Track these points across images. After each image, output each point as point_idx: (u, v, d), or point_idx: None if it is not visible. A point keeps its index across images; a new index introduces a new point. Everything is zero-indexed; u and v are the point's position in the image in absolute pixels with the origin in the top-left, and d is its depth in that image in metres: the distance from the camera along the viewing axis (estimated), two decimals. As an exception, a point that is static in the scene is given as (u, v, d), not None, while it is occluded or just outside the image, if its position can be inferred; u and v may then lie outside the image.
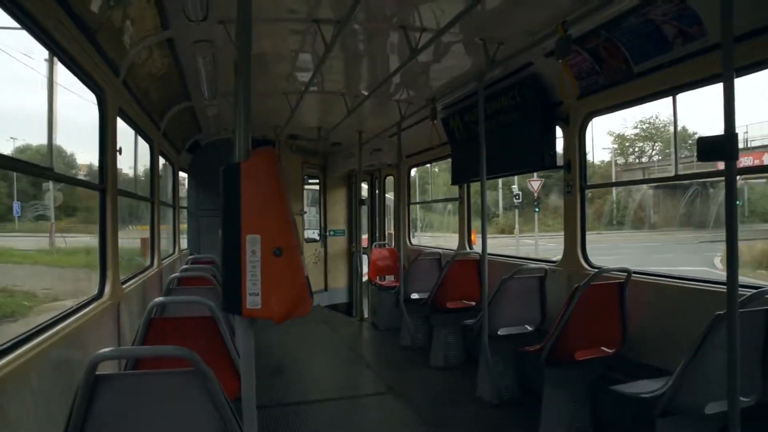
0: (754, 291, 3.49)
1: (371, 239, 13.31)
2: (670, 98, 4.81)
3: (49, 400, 2.96)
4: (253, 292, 2.26)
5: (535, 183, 29.37)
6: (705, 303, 4.28)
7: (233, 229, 2.29)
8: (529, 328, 6.06)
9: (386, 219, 13.31)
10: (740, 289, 3.07)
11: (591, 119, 5.78)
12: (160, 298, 3.88)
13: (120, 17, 4.22)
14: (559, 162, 6.17)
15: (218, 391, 2.33)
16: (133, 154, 6.38)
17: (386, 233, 13.12)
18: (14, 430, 2.51)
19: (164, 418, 2.35)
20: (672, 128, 5.09)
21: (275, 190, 2.32)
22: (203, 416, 2.35)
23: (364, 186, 13.66)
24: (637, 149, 40.60)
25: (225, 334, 3.70)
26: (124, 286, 4.95)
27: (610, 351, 4.93)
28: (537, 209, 32.31)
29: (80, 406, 2.22)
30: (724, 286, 3.08)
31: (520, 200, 33.57)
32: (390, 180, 12.41)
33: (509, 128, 6.62)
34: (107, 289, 4.41)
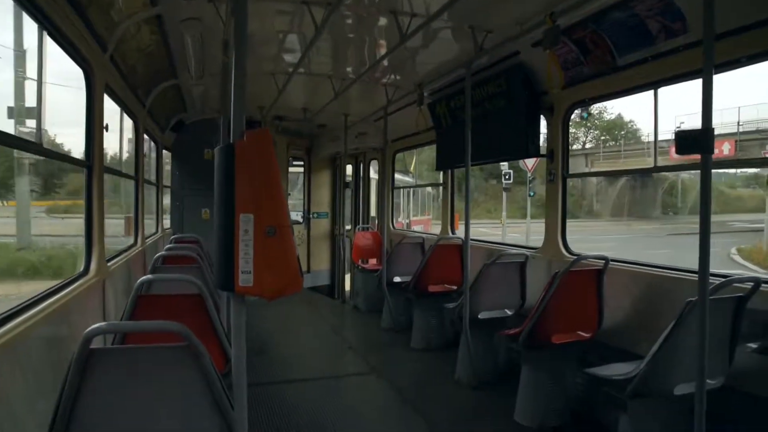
0: (724, 279, 3.64)
1: (355, 222, 13.38)
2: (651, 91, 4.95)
3: (38, 375, 3.00)
4: (246, 270, 2.32)
5: (530, 160, 26.74)
6: (677, 290, 4.46)
7: (226, 209, 2.34)
8: (509, 313, 6.22)
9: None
10: (711, 277, 3.22)
11: (575, 109, 5.90)
12: (149, 276, 3.92)
13: None
14: (543, 151, 6.29)
15: (210, 366, 2.40)
16: (119, 131, 6.34)
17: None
18: (4, 404, 2.56)
19: (156, 391, 2.41)
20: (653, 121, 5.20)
21: (269, 170, 2.37)
22: (195, 390, 2.42)
23: (349, 169, 13.69)
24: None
25: (212, 312, 3.76)
26: (109, 264, 4.97)
27: (587, 335, 5.10)
28: (531, 193, 30.26)
29: (74, 379, 2.27)
30: (696, 275, 3.23)
31: (510, 180, 31.10)
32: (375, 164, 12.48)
33: (494, 116, 6.71)
34: (93, 266, 4.43)
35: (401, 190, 15.46)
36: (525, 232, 28.89)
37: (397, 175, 14.21)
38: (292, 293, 2.41)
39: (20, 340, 2.77)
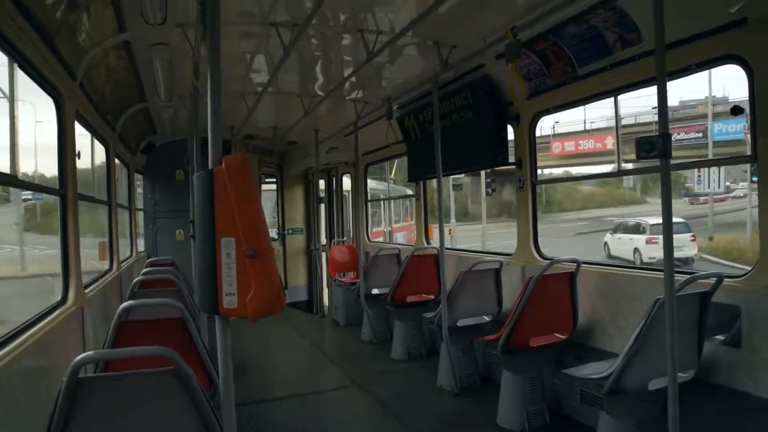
0: (689, 276, 3.82)
1: (330, 237, 13.41)
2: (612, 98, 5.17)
3: (23, 407, 2.99)
4: (230, 293, 2.37)
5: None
6: (645, 289, 4.63)
7: (207, 233, 2.39)
8: (487, 319, 6.34)
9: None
10: (676, 275, 3.38)
11: (540, 118, 6.08)
12: (130, 302, 3.91)
13: (77, 21, 4.21)
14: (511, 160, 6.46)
15: (198, 388, 2.44)
16: (90, 157, 6.31)
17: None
18: None
19: (146, 416, 2.43)
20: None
21: (248, 194, 2.42)
22: (184, 413, 2.45)
23: (322, 184, 13.74)
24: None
25: (194, 334, 3.78)
26: (86, 291, 4.93)
27: (563, 337, 5.24)
28: (489, 190, 29.86)
29: (62, 409, 2.28)
30: (662, 273, 3.39)
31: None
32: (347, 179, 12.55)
33: (462, 127, 6.87)
34: (71, 294, 4.40)
35: (380, 199, 15.57)
36: (481, 236, 27.53)
37: (374, 184, 14.26)
38: (275, 313, 2.46)
39: (4, 372, 2.76)
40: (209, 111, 2.47)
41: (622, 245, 24.33)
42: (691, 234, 22.48)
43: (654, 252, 21.78)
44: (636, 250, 23.57)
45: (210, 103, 2.47)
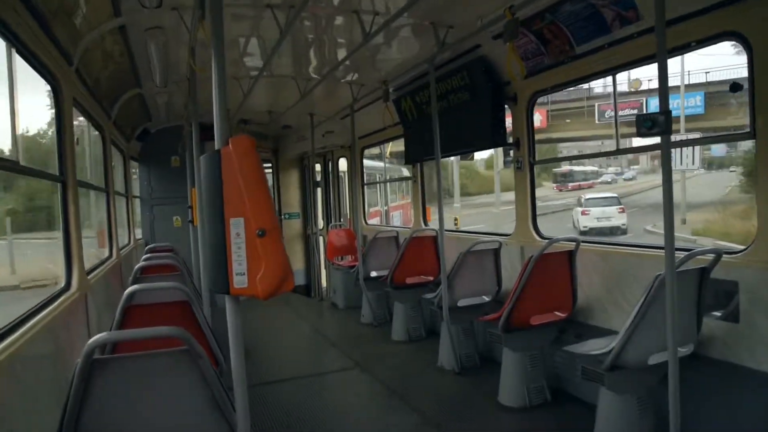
0: (688, 253, 3.86)
1: (327, 220, 13.42)
2: (610, 77, 5.17)
3: (35, 392, 3.02)
4: (240, 272, 2.40)
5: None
6: (643, 266, 4.68)
7: (216, 214, 2.41)
8: (486, 299, 6.40)
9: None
10: (675, 251, 3.42)
11: (537, 97, 6.08)
12: (137, 285, 3.93)
13: (74, 5, 4.17)
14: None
15: (210, 368, 2.47)
16: (87, 143, 6.28)
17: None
18: (6, 423, 2.57)
19: (159, 396, 2.47)
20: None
21: (255, 174, 2.44)
22: (196, 393, 2.49)
23: (318, 168, 13.72)
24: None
25: (200, 316, 3.81)
26: (89, 277, 4.94)
27: (563, 315, 5.30)
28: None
29: (78, 390, 2.31)
30: (662, 250, 3.43)
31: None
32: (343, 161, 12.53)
33: (460, 108, 6.85)
34: (74, 280, 4.41)
35: (375, 178, 15.58)
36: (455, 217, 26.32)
37: (371, 162, 14.22)
38: (285, 292, 2.49)
39: (17, 358, 2.79)
40: (214, 93, 2.47)
41: (585, 218, 27.70)
42: (620, 207, 26.52)
43: (587, 222, 26.44)
44: (576, 220, 27.94)
45: (215, 84, 2.47)
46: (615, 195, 28.26)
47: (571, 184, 47.05)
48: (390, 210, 21.21)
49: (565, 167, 49.97)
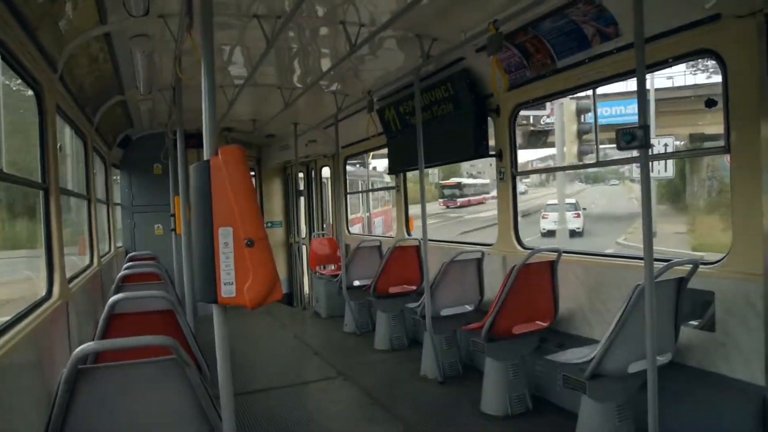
0: (666, 263, 3.95)
1: (310, 229, 13.41)
2: (590, 91, 5.29)
3: (17, 402, 2.97)
4: (228, 282, 2.42)
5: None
6: (623, 276, 4.78)
7: (205, 223, 2.43)
8: (469, 308, 6.45)
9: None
10: (654, 262, 3.50)
11: (519, 110, 6.18)
12: (120, 294, 3.90)
13: (59, 11, 4.15)
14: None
15: (198, 378, 2.47)
16: (70, 150, 6.22)
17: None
18: None
19: (146, 405, 2.46)
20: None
21: (244, 184, 2.47)
22: (183, 402, 2.49)
23: (302, 176, 13.72)
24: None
25: (185, 326, 3.79)
26: (69, 285, 4.89)
27: (544, 324, 5.37)
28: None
29: (63, 400, 2.30)
30: (641, 261, 3.51)
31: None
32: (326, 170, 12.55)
33: (443, 119, 6.93)
34: (56, 289, 4.36)
35: (358, 184, 15.65)
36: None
37: (353, 169, 14.26)
38: (273, 301, 2.51)
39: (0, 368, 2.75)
40: (204, 103, 2.50)
41: (544, 221, 31.02)
42: (576, 212, 29.95)
43: (546, 225, 29.99)
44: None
45: (205, 94, 2.49)
46: (573, 201, 31.70)
47: (460, 200, 49.07)
48: (373, 216, 21.40)
49: (453, 179, 51.07)
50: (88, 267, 6.64)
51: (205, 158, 2.49)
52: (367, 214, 21.19)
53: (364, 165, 18.82)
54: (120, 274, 5.30)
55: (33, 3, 3.69)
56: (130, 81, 6.72)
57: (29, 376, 3.34)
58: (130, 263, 6.32)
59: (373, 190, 16.25)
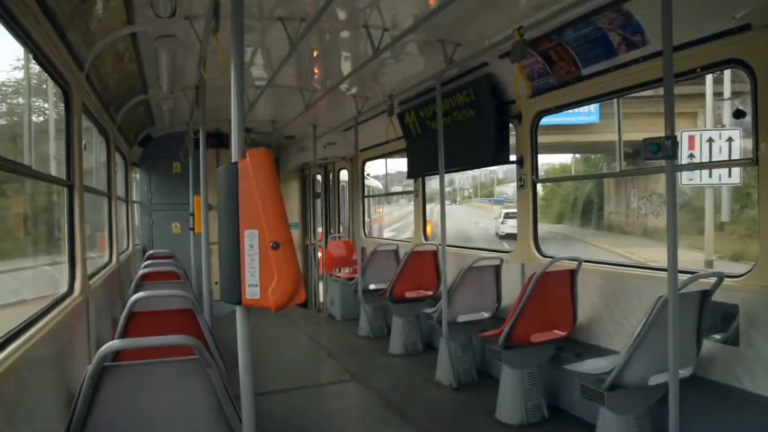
0: (690, 276, 3.90)
1: (326, 232, 13.43)
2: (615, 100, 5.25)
3: (41, 396, 3.01)
4: (253, 284, 2.43)
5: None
6: (645, 287, 4.72)
7: (231, 225, 2.45)
8: (486, 315, 6.42)
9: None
10: (678, 273, 3.46)
11: (542, 117, 6.15)
12: (141, 293, 3.93)
13: (88, 12, 4.21)
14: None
15: (219, 378, 2.49)
16: (94, 149, 6.31)
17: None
18: (13, 427, 2.57)
19: (168, 404, 2.48)
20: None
21: (271, 187, 2.48)
22: (204, 402, 2.50)
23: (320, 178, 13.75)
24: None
25: (204, 325, 3.82)
26: (90, 282, 4.95)
27: (562, 333, 5.33)
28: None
29: (86, 396, 2.33)
30: (664, 272, 3.47)
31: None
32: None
33: (464, 124, 6.91)
34: (77, 285, 4.40)
35: (379, 195, 15.69)
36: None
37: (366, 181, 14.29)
38: (296, 304, 2.52)
39: (24, 361, 2.79)
40: (233, 106, 2.52)
41: (504, 226, 35.49)
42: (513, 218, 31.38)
43: (505, 229, 34.03)
44: (497, 227, 37.25)
45: (234, 97, 2.52)
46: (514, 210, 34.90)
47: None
48: (373, 221, 21.62)
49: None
50: (107, 264, 6.71)
51: (232, 160, 2.51)
52: (368, 220, 21.42)
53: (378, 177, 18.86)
54: (140, 272, 5.36)
55: (64, 2, 3.75)
56: (154, 80, 6.80)
57: (51, 370, 3.38)
58: (149, 261, 6.37)
59: (393, 194, 16.24)
